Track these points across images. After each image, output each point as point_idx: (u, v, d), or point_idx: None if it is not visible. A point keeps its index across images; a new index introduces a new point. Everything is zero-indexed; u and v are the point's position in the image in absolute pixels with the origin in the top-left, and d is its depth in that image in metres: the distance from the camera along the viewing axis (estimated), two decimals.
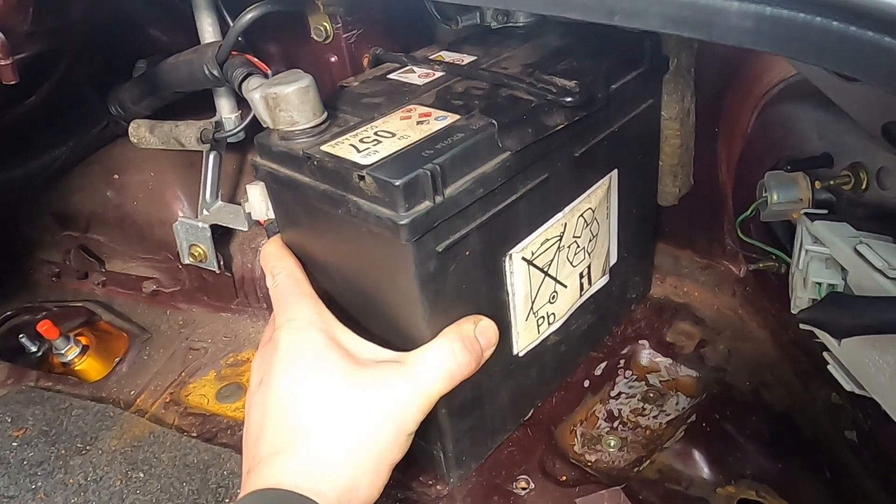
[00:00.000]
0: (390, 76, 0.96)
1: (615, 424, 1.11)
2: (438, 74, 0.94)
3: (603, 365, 1.18)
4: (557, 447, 1.06)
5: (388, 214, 0.71)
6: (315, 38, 1.10)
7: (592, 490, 0.97)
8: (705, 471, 1.01)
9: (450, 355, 0.76)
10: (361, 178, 0.72)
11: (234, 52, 1.04)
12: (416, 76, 0.95)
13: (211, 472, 1.04)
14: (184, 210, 1.31)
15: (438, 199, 0.72)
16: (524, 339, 0.95)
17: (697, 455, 1.02)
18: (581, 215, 0.96)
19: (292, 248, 0.91)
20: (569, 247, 0.96)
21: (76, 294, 1.47)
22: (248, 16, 1.00)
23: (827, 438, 0.99)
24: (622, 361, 1.20)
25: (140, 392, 1.16)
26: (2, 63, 0.83)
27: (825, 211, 0.91)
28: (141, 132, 1.25)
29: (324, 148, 0.77)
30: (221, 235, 1.28)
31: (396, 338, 0.82)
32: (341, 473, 0.68)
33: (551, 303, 0.98)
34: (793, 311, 0.91)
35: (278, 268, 0.85)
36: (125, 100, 1.29)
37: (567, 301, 1.02)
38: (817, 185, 0.94)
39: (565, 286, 0.99)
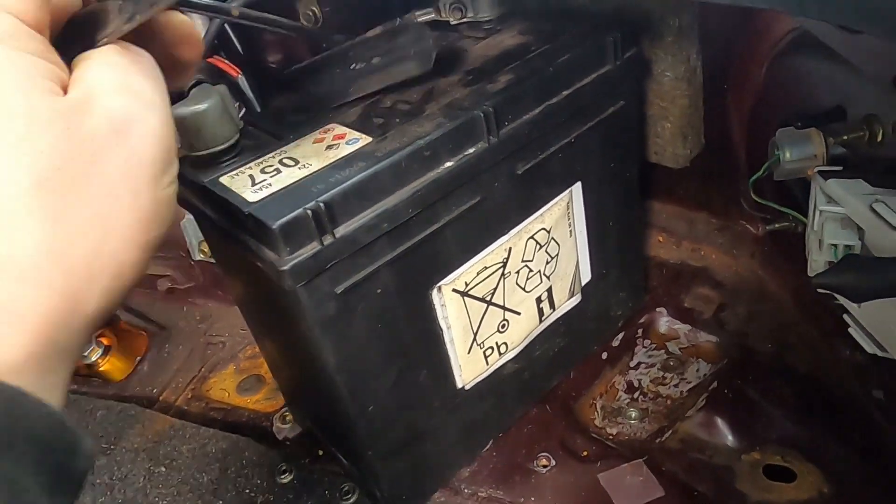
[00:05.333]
0: None
1: (635, 395, 1.03)
2: None
3: (621, 336, 1.08)
4: (578, 422, 0.99)
5: (271, 258, 0.62)
6: (304, 23, 0.99)
7: (614, 464, 0.90)
8: (729, 438, 0.93)
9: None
10: (246, 216, 0.63)
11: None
12: None
13: (230, 460, 1.02)
14: None
15: (328, 239, 0.62)
16: (469, 373, 0.84)
17: (720, 422, 0.94)
18: (532, 237, 0.82)
19: (223, 271, 0.84)
20: (517, 272, 0.82)
21: None
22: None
23: (854, 399, 0.91)
24: (640, 331, 1.10)
25: (163, 389, 1.16)
26: None
27: (840, 168, 0.81)
28: None
29: (222, 179, 0.68)
30: None
31: (311, 380, 0.74)
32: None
33: (501, 332, 0.85)
34: (809, 275, 0.82)
35: None
36: None
37: (523, 328, 0.88)
38: (831, 140, 0.84)
39: (518, 313, 0.86)
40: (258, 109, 0.84)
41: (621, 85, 0.84)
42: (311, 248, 0.62)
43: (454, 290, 0.75)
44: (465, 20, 0.92)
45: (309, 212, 0.61)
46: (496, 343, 0.84)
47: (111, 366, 1.24)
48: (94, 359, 1.24)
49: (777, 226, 0.96)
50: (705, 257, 1.14)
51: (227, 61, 0.93)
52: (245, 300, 0.84)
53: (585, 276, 0.94)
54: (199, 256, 1.18)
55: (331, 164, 0.67)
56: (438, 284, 0.74)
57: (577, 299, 0.94)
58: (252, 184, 0.66)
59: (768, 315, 1.04)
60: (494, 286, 0.80)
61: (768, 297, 1.07)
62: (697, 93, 0.99)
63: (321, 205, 0.61)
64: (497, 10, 0.91)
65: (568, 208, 0.85)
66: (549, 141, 0.78)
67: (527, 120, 0.75)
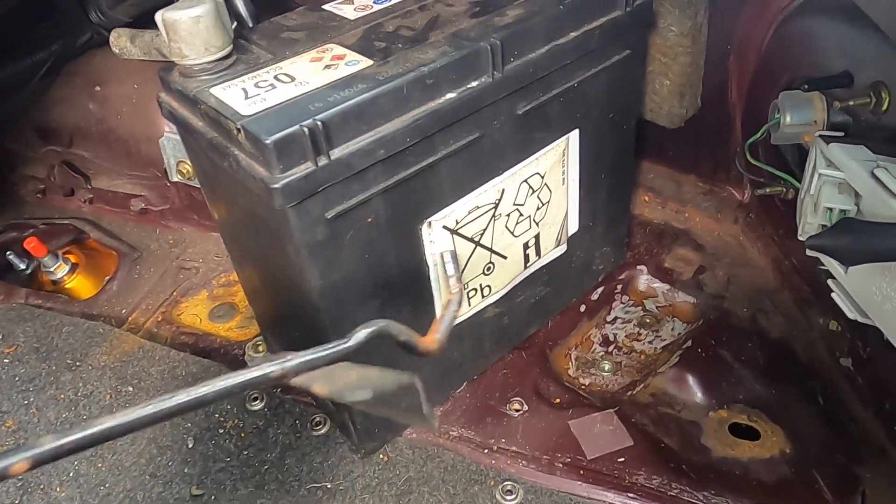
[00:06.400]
0: (327, 5, 0.80)
1: (610, 349, 1.04)
2: (376, 8, 0.78)
3: (600, 290, 1.08)
4: (552, 370, 0.99)
5: (262, 175, 0.59)
6: None
7: (586, 413, 0.91)
8: (698, 395, 0.94)
9: None
10: (238, 129, 0.60)
11: None
12: (353, 8, 0.79)
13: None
14: (170, 125, 1.21)
15: (322, 160, 0.60)
16: None
17: (691, 380, 0.95)
18: (525, 181, 0.80)
19: (204, 188, 0.81)
20: (508, 215, 0.81)
21: (63, 212, 1.35)
22: None
23: (822, 365, 0.93)
24: (619, 287, 1.10)
25: (132, 311, 1.13)
26: None
27: (841, 133, 0.80)
28: (122, 42, 1.13)
29: (213, 90, 0.65)
30: None
31: (292, 307, 0.72)
32: None
33: (486, 274, 0.83)
34: (800, 238, 0.82)
35: None
36: (103, 4, 1.17)
37: (508, 272, 0.87)
38: (835, 105, 0.83)
39: (504, 257, 0.84)
40: (250, 24, 0.80)
41: (629, 33, 0.82)
42: (305, 168, 0.59)
43: (444, 227, 0.73)
44: None
45: (305, 129, 0.58)
46: (480, 285, 0.83)
47: (78, 284, 1.20)
48: (60, 275, 1.20)
49: (768, 190, 0.95)
50: (689, 220, 1.13)
51: None
52: (228, 222, 0.81)
53: (573, 227, 0.92)
54: (175, 178, 1.14)
55: (329, 83, 0.64)
56: (429, 219, 0.72)
57: (562, 249, 0.93)
58: (245, 97, 0.63)
59: (747, 280, 1.05)
60: (484, 227, 0.78)
61: (748, 263, 1.07)
62: (700, 51, 0.97)
63: (318, 123, 0.58)
64: None
65: (563, 155, 0.83)
66: (552, 83, 0.76)
67: (532, 58, 0.72)
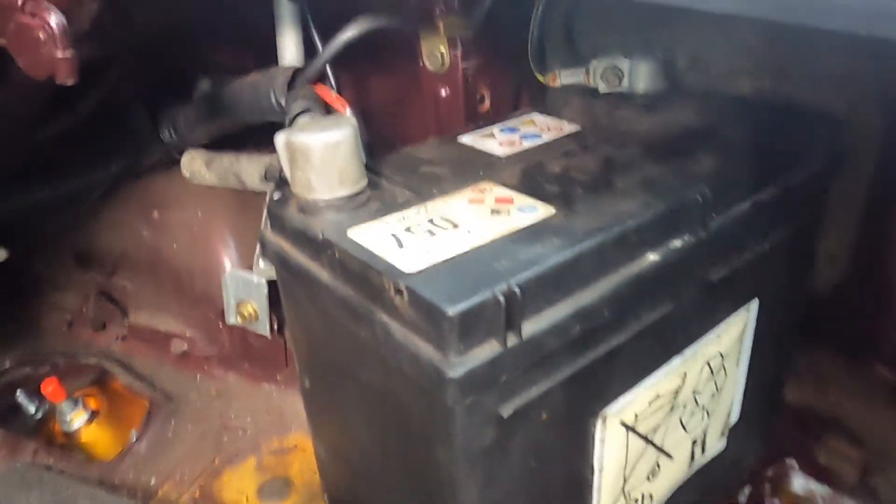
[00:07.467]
0: (462, 138, 0.67)
1: None
2: (527, 144, 0.65)
3: (747, 491, 0.88)
4: None
5: (431, 356, 0.43)
6: (427, 65, 0.83)
7: None
8: None
9: None
10: (398, 291, 0.44)
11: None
12: (497, 143, 0.66)
13: None
14: (233, 259, 1.05)
15: (513, 340, 0.43)
16: None
17: None
18: (708, 362, 0.64)
19: (300, 348, 0.64)
20: (685, 405, 0.64)
21: (89, 347, 1.16)
22: (348, 34, 0.75)
23: None
24: (768, 486, 0.89)
25: (162, 481, 0.91)
26: (60, 55, 0.56)
27: None
28: (195, 165, 1.02)
29: (352, 233, 0.50)
30: (275, 293, 1.01)
31: None
32: None
33: (650, 480, 0.65)
34: None
35: None
36: (180, 123, 1.05)
37: (671, 476, 0.68)
38: None
39: (671, 457, 0.66)
40: (369, 155, 0.66)
41: (822, 188, 0.68)
42: (490, 350, 0.43)
43: (622, 423, 0.56)
44: (617, 90, 0.77)
45: (501, 297, 0.42)
46: (641, 495, 0.64)
47: (96, 437, 0.99)
48: (76, 425, 0.99)
49: None
50: (835, 403, 0.95)
51: (335, 93, 0.77)
52: (331, 397, 0.63)
53: (734, 416, 0.75)
54: (233, 320, 0.97)
55: (508, 234, 0.49)
56: (604, 413, 0.55)
57: (722, 444, 0.74)
58: (398, 246, 0.48)
59: None
60: (659, 422, 0.60)
61: None
62: (859, 210, 0.84)
63: (516, 290, 0.42)
64: (657, 86, 0.77)
65: (744, 329, 0.67)
66: (746, 244, 0.61)
67: (736, 215, 0.58)
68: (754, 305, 0.67)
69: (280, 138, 0.57)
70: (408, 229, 0.50)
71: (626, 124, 0.70)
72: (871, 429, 0.92)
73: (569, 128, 0.69)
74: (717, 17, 0.84)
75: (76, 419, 0.99)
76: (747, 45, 0.82)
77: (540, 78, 0.83)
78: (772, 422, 0.87)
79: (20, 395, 1.02)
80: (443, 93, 0.83)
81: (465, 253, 0.47)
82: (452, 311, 0.41)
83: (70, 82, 0.57)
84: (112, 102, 0.99)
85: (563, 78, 0.80)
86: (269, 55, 0.91)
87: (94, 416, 1.00)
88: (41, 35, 0.55)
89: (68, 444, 0.99)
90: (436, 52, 0.80)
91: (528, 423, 0.48)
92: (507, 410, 0.45)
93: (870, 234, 0.87)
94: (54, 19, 0.55)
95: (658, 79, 0.77)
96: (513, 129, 0.69)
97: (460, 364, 0.42)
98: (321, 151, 0.52)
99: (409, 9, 0.81)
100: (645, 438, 0.59)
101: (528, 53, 0.84)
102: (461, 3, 0.79)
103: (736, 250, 0.60)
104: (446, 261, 0.46)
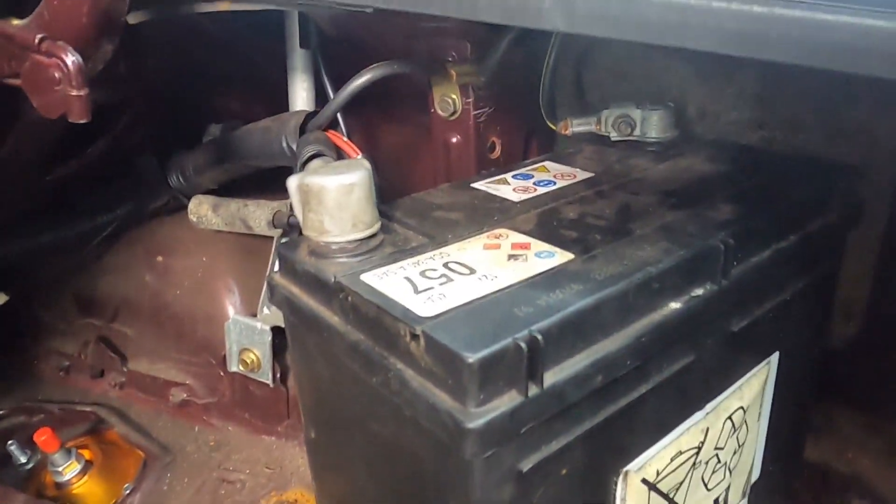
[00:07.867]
0: (477, 184, 0.66)
1: None
2: (542, 190, 0.64)
3: None
4: None
5: (449, 406, 0.41)
6: (439, 112, 0.83)
7: None
8: None
9: None
10: (414, 336, 0.42)
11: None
12: (511, 189, 0.65)
13: None
14: (236, 306, 1.04)
15: (534, 390, 0.41)
16: None
17: None
18: (730, 417, 0.62)
19: (306, 397, 0.62)
20: (707, 462, 0.61)
21: (85, 395, 1.14)
22: (360, 81, 0.75)
23: None
24: None
25: None
26: (74, 94, 0.55)
27: None
28: (202, 210, 1.01)
29: (365, 277, 0.48)
30: (278, 341, 0.99)
31: None
32: None
33: None
34: None
35: None
36: (188, 169, 1.05)
37: None
38: None
39: None
40: (379, 200, 0.65)
41: (839, 239, 0.67)
42: (511, 401, 0.41)
43: (643, 481, 0.53)
44: (629, 138, 0.77)
45: (522, 344, 0.40)
46: None
47: (89, 489, 0.95)
48: (68, 476, 0.95)
49: None
50: (855, 463, 0.92)
51: (346, 140, 0.76)
52: (337, 449, 0.61)
53: (755, 474, 0.72)
54: (235, 368, 0.94)
55: (526, 280, 0.47)
56: (625, 469, 0.52)
57: (744, 503, 0.71)
58: (414, 291, 0.46)
59: None
60: (681, 480, 0.58)
61: None
62: (873, 262, 0.83)
63: (538, 337, 0.41)
64: (669, 134, 0.76)
65: (766, 382, 0.65)
66: (766, 294, 0.60)
67: (756, 263, 0.56)
68: (775, 358, 0.65)
69: (293, 181, 0.56)
70: (423, 273, 0.48)
71: (640, 171, 0.69)
72: (893, 489, 0.89)
73: (582, 174, 0.68)
74: (724, 66, 0.85)
75: (68, 470, 0.95)
76: (754, 94, 0.82)
77: (552, 126, 0.83)
78: (792, 480, 0.84)
79: (12, 445, 0.98)
80: (454, 140, 0.83)
81: (483, 298, 0.45)
82: (472, 357, 0.39)
83: (83, 120, 0.57)
84: (121, 147, 0.99)
85: (576, 126, 0.80)
86: (279, 103, 0.91)
87: (87, 467, 0.96)
88: (56, 74, 0.55)
89: (60, 496, 0.95)
90: (447, 99, 0.80)
91: (548, 479, 0.46)
92: (526, 465, 0.43)
93: (886, 287, 0.86)
94: (70, 58, 0.55)
95: (670, 127, 0.77)
96: (526, 176, 0.68)
97: (479, 415, 0.40)
98: (335, 193, 0.51)
99: (421, 56, 0.81)
100: (667, 497, 0.57)
101: (538, 102, 0.84)
102: (473, 51, 0.79)
103: (756, 300, 0.59)
104: (464, 306, 0.44)
